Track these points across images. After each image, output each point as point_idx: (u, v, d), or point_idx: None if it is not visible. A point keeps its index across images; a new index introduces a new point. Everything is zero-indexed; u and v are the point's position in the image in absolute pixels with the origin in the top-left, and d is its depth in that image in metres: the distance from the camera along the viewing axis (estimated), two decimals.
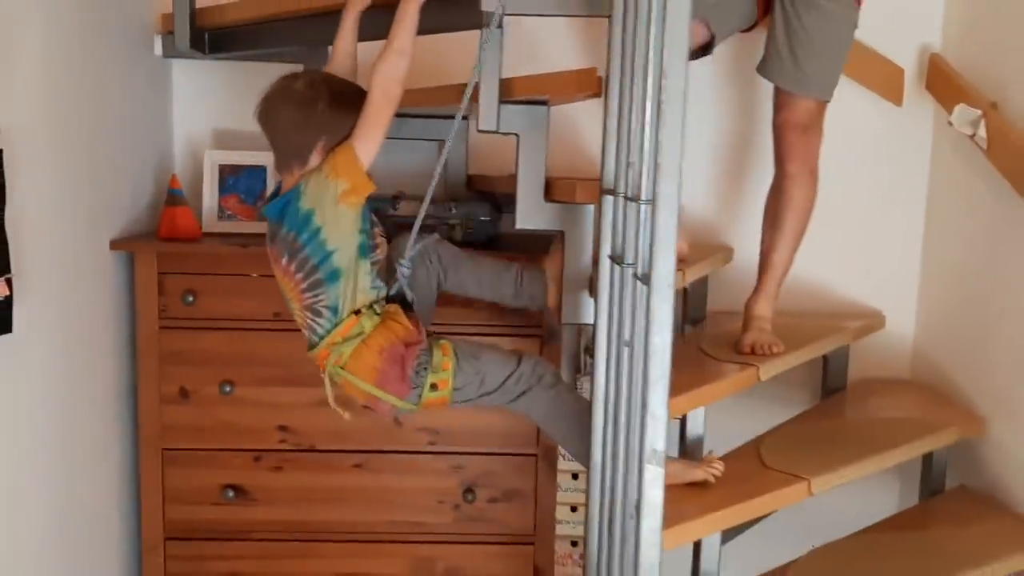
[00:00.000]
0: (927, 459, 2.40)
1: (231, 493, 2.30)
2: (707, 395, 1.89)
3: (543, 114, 1.83)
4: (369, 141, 1.70)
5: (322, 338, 1.80)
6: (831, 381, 2.58)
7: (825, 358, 2.57)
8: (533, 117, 1.83)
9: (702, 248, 2.51)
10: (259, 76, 2.02)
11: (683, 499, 1.73)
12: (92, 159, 2.10)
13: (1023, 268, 2.18)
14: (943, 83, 2.51)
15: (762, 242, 2.29)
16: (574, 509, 2.48)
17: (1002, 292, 2.28)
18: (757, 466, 1.94)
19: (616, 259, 1.49)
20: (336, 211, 1.72)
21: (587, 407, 1.72)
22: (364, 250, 1.78)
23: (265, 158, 2.42)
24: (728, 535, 1.90)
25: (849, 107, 2.62)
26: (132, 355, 2.28)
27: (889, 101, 2.63)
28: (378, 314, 1.80)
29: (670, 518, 1.71)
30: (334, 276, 1.76)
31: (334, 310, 1.78)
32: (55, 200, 1.92)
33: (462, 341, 1.87)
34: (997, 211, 2.29)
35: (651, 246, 1.20)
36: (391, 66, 1.69)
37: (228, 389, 2.26)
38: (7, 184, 1.63)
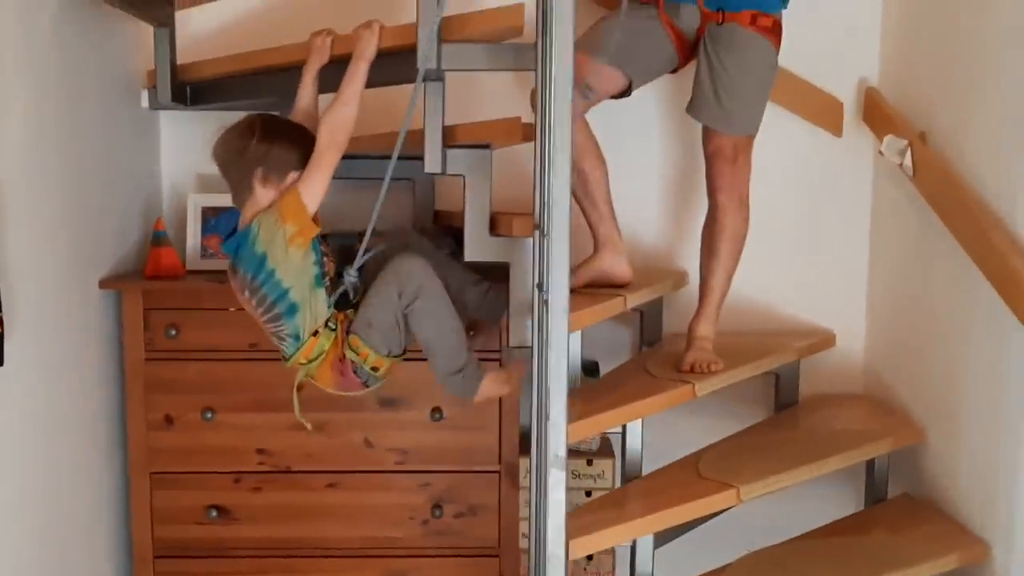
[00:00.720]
0: (870, 468, 2.54)
1: (214, 512, 2.46)
2: (640, 410, 2.04)
3: (486, 157, 2.01)
4: (314, 185, 1.88)
5: (290, 357, 2.00)
6: (783, 397, 2.73)
7: (777, 375, 2.72)
8: (477, 159, 2.00)
9: (655, 273, 2.67)
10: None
11: (613, 505, 1.88)
12: (82, 204, 2.29)
13: (949, 289, 2.33)
14: (877, 115, 2.68)
15: (701, 268, 2.44)
16: None
17: (933, 311, 2.43)
18: (692, 476, 2.09)
19: (538, 286, 1.65)
20: (287, 254, 1.90)
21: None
22: (318, 280, 1.96)
23: None
24: (665, 538, 2.04)
25: (794, 138, 2.81)
26: (120, 385, 2.46)
27: (829, 132, 2.80)
28: (332, 329, 1.98)
29: (598, 523, 1.87)
30: (292, 310, 1.94)
31: (295, 337, 1.97)
32: (46, 242, 2.11)
33: (356, 318, 2.01)
34: (925, 235, 2.45)
35: (546, 273, 1.36)
36: (337, 115, 1.87)
37: (209, 415, 2.43)
38: None
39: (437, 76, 1.88)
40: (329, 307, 1.98)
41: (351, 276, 1.99)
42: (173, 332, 2.41)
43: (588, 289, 2.36)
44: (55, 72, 2.14)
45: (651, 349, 2.64)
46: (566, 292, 1.38)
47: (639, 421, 2.11)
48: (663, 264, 2.83)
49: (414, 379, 2.39)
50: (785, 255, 2.84)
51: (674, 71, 2.42)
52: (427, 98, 1.94)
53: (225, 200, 2.62)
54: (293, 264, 1.91)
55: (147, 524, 2.46)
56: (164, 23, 2.39)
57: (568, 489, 1.55)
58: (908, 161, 2.43)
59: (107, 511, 2.45)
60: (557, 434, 1.34)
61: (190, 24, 2.62)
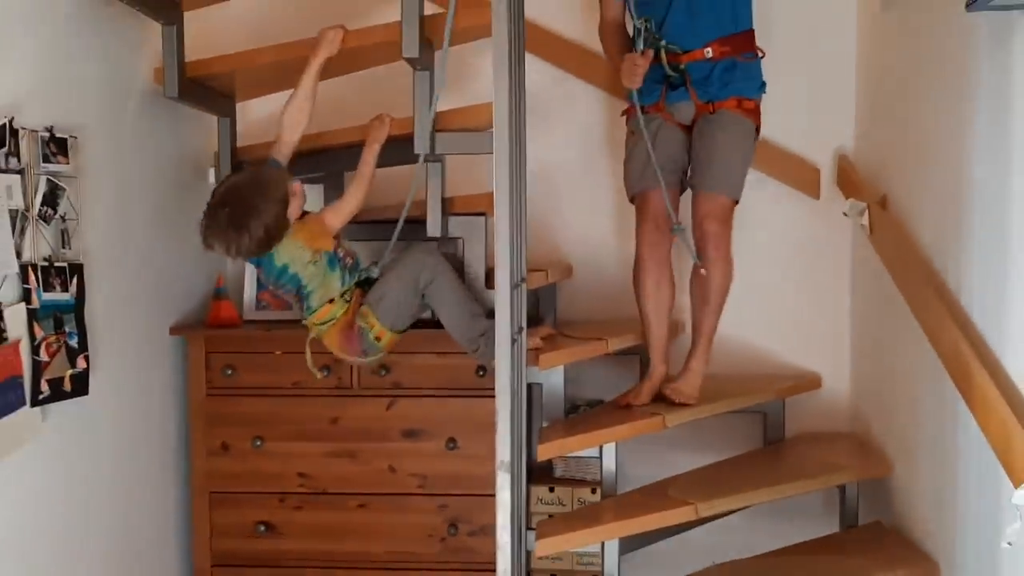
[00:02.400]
0: (843, 496, 2.80)
1: (263, 528, 2.86)
2: (609, 436, 2.38)
3: (481, 224, 2.40)
4: (337, 222, 2.41)
5: (306, 318, 2.46)
6: (770, 434, 3.02)
7: (764, 413, 3.02)
8: (473, 226, 2.40)
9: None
10: None
11: (585, 515, 2.22)
12: (158, 265, 2.76)
13: (909, 336, 2.60)
14: (845, 180, 2.99)
15: (693, 314, 2.75)
16: None
17: (901, 357, 2.68)
18: (661, 495, 2.41)
19: (520, 330, 2.01)
20: (308, 266, 2.37)
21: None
22: (332, 265, 2.40)
23: None
24: (631, 546, 2.36)
25: (780, 202, 3.14)
26: (184, 416, 2.89)
27: (809, 196, 3.12)
28: (347, 301, 2.42)
29: (567, 528, 2.21)
30: (309, 295, 2.41)
31: (309, 308, 2.43)
32: (127, 296, 2.57)
33: (370, 293, 2.43)
34: (883, 287, 2.73)
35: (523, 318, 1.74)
36: (358, 189, 2.38)
37: (259, 443, 2.84)
38: (87, 289, 2.28)
39: (436, 159, 2.29)
40: (343, 284, 2.41)
41: (375, 272, 2.46)
42: (230, 372, 2.84)
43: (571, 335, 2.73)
44: (137, 158, 2.63)
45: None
46: (507, 329, 1.74)
47: (613, 446, 2.45)
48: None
49: (432, 414, 2.78)
50: (775, 304, 3.15)
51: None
52: (429, 178, 2.35)
53: None
54: (309, 269, 2.37)
55: (206, 538, 2.87)
56: (226, 114, 2.87)
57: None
58: (866, 221, 2.74)
59: (172, 526, 2.88)
60: (502, 443, 1.69)
61: (250, 112, 3.09)
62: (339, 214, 2.41)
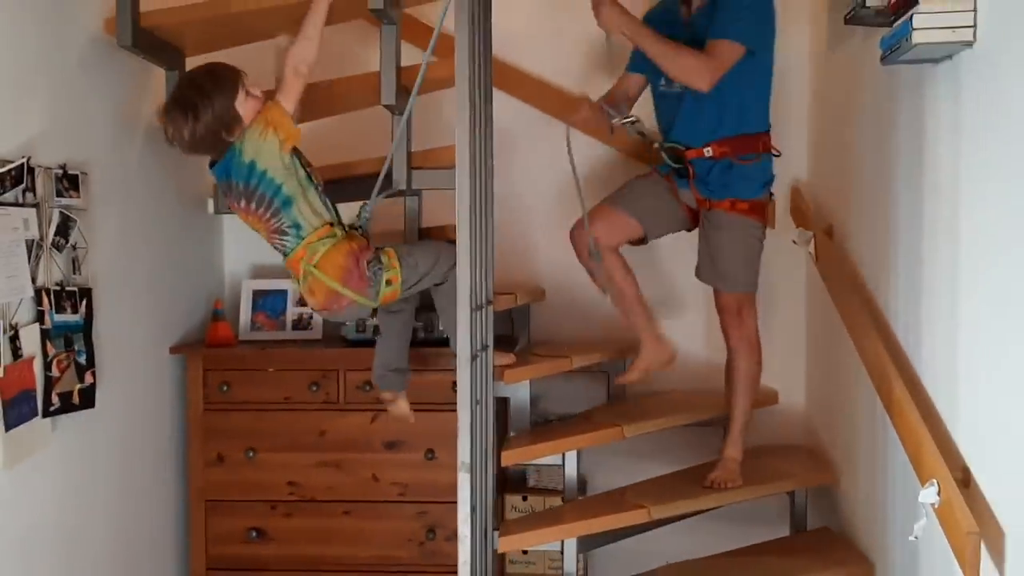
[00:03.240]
0: (793, 503, 3.02)
1: (255, 534, 3.07)
2: (569, 444, 2.60)
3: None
4: (288, 102, 2.30)
5: (292, 249, 2.35)
6: None
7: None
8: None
9: (616, 341, 3.21)
10: None
11: (547, 516, 2.43)
12: (160, 288, 2.99)
13: (846, 353, 2.82)
14: (797, 210, 3.23)
15: (726, 400, 2.91)
16: (525, 552, 3.17)
17: (845, 375, 2.90)
18: (620, 500, 2.63)
19: (483, 348, 2.24)
20: (277, 156, 2.28)
21: None
22: (308, 178, 2.35)
23: (286, 284, 3.30)
24: (588, 545, 2.58)
25: None
26: (182, 429, 3.11)
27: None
28: (345, 231, 2.39)
29: (529, 527, 2.43)
30: (288, 202, 2.32)
31: (296, 227, 2.34)
32: (132, 319, 2.80)
33: (397, 244, 2.44)
34: (831, 309, 2.96)
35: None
36: (301, 49, 2.28)
37: (251, 454, 3.06)
38: (95, 311, 2.51)
39: (413, 193, 2.53)
40: (328, 209, 2.37)
41: (367, 213, 2.43)
42: (225, 388, 3.06)
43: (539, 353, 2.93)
44: (141, 191, 2.87)
45: (611, 403, 3.19)
46: (466, 326, 1.96)
47: (574, 454, 2.67)
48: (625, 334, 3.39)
49: (412, 427, 2.98)
50: None
51: (690, 230, 2.94)
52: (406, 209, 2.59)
53: (271, 284, 3.34)
54: (283, 164, 2.29)
55: (202, 543, 3.08)
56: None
57: None
58: (811, 249, 2.97)
59: (170, 531, 3.09)
60: (463, 446, 1.92)
61: None
62: (288, 93, 2.30)
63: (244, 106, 2.30)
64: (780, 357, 3.37)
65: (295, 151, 2.36)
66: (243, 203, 2.37)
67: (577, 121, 2.80)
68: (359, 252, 2.36)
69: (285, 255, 2.42)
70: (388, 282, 2.39)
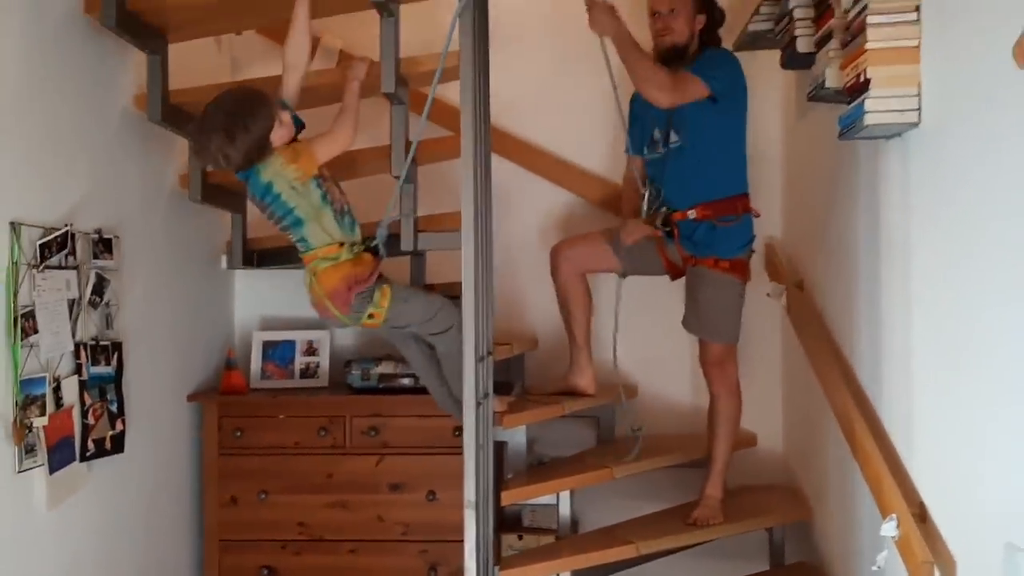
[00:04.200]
0: (771, 539, 3.22)
1: (266, 572, 3.26)
2: (563, 485, 2.81)
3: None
4: (328, 153, 2.46)
5: (303, 252, 2.52)
6: None
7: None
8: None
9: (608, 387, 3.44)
10: (292, 278, 3.20)
11: (546, 551, 2.64)
12: (179, 340, 3.20)
13: (818, 398, 3.05)
14: (772, 265, 3.48)
15: (707, 440, 3.13)
16: None
17: (813, 413, 3.14)
18: (612, 536, 2.83)
19: (485, 396, 2.45)
20: (289, 184, 2.43)
21: None
22: (324, 199, 2.46)
23: (294, 335, 3.52)
24: None
25: None
26: (199, 472, 3.31)
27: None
28: (355, 253, 2.50)
29: (524, 562, 2.63)
30: (299, 222, 2.47)
31: (304, 242, 2.49)
32: (155, 369, 3.01)
33: (402, 286, 2.59)
34: (804, 356, 3.19)
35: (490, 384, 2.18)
36: (343, 133, 2.49)
37: (263, 496, 3.25)
38: (125, 361, 2.72)
39: (419, 253, 2.76)
40: (341, 227, 2.49)
41: (383, 235, 2.55)
42: (239, 434, 3.26)
43: (556, 396, 3.15)
44: (165, 250, 3.09)
45: (601, 445, 3.41)
46: (471, 386, 2.18)
47: (568, 493, 2.88)
48: (614, 378, 3.60)
49: (415, 469, 3.21)
50: None
51: (673, 279, 3.17)
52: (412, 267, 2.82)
53: (281, 335, 3.55)
54: (297, 191, 2.44)
55: None
56: (237, 210, 3.34)
57: None
58: (784, 302, 3.21)
59: (187, 569, 3.27)
60: (469, 486, 2.13)
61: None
62: (326, 145, 2.46)
63: (276, 134, 2.44)
64: (758, 401, 3.59)
65: (317, 175, 2.48)
66: (259, 210, 2.57)
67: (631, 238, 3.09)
68: (355, 280, 2.49)
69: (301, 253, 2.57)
70: (370, 315, 2.55)
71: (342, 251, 2.49)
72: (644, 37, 3.02)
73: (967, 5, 1.95)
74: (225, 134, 2.37)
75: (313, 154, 2.46)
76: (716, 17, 3.07)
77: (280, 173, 2.44)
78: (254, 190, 2.49)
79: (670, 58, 2.98)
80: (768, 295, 3.35)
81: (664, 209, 3.02)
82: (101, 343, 2.63)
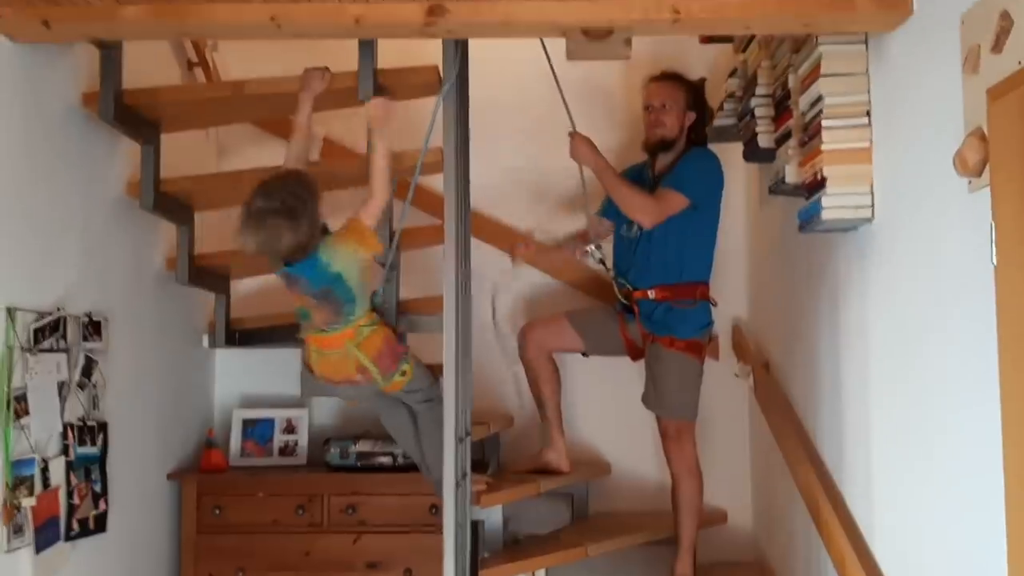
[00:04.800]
0: None
1: None
2: (539, 563, 2.88)
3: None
4: (373, 222, 2.55)
5: (338, 328, 2.57)
6: None
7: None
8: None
9: (582, 465, 3.52)
10: (272, 356, 3.35)
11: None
12: (160, 419, 3.25)
13: (784, 476, 3.15)
14: (739, 346, 3.61)
15: (674, 520, 3.19)
16: None
17: (779, 492, 3.23)
18: None
19: (464, 476, 2.53)
20: (359, 270, 2.54)
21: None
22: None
23: (273, 413, 3.58)
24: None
25: None
26: (178, 549, 3.33)
27: (711, 358, 3.71)
28: (380, 319, 2.66)
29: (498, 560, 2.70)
30: (352, 301, 2.56)
31: (349, 315, 2.57)
32: (137, 448, 3.05)
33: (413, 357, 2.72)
34: (771, 436, 3.30)
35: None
36: (380, 196, 2.55)
37: (241, 574, 3.27)
38: (109, 441, 2.77)
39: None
40: (373, 297, 2.67)
41: (378, 299, 2.71)
42: (217, 511, 3.30)
43: (531, 473, 3.23)
44: (150, 332, 3.16)
45: (575, 523, 3.47)
46: (451, 467, 2.26)
47: (543, 571, 2.94)
48: (591, 455, 3.70)
49: (392, 547, 3.25)
50: None
51: (634, 360, 3.29)
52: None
53: (260, 413, 3.61)
54: (363, 278, 2.55)
55: None
56: (221, 291, 3.43)
57: None
58: (751, 382, 3.33)
59: None
60: (448, 565, 2.19)
61: (240, 289, 3.65)
62: (371, 213, 2.52)
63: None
64: (728, 479, 3.69)
65: None
66: (312, 299, 2.56)
67: (522, 254, 3.35)
68: (393, 340, 2.68)
69: (319, 330, 2.61)
70: (403, 372, 2.68)
71: (374, 316, 2.64)
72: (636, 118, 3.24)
73: (913, 111, 2.13)
74: (288, 219, 2.36)
75: (374, 231, 2.54)
76: (706, 114, 3.25)
77: (351, 260, 2.51)
78: (316, 281, 2.49)
79: (658, 149, 3.18)
80: (736, 375, 3.47)
81: (627, 287, 3.16)
82: (88, 423, 2.68)
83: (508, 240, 3.73)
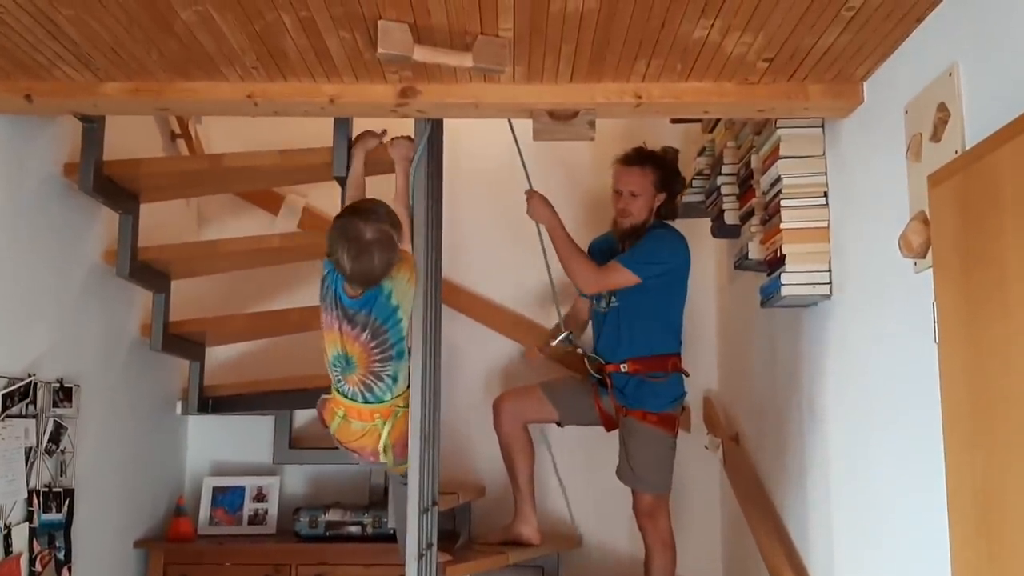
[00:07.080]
0: None
1: None
2: None
3: None
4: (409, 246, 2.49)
5: (379, 399, 2.43)
6: None
7: None
8: None
9: (553, 536, 3.52)
10: (244, 424, 3.33)
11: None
12: (128, 486, 3.24)
13: (752, 547, 3.16)
14: (709, 418, 3.64)
15: None
16: None
17: (750, 565, 3.23)
18: None
19: (428, 547, 2.54)
20: (410, 299, 2.41)
21: None
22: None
23: (244, 481, 3.57)
24: None
25: None
26: None
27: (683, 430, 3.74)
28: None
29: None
30: (400, 355, 2.42)
31: (393, 379, 2.42)
32: (103, 516, 3.03)
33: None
34: (738, 507, 3.32)
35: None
36: (405, 220, 2.50)
37: None
38: (75, 508, 2.77)
39: None
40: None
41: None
42: None
43: (501, 545, 3.22)
44: (122, 399, 3.18)
45: None
46: (415, 527, 2.27)
47: None
48: (562, 526, 3.69)
49: None
50: None
51: (609, 430, 3.27)
52: None
53: (231, 481, 3.60)
54: (410, 316, 2.42)
55: None
56: (196, 358, 3.45)
57: None
58: (720, 454, 3.36)
59: None
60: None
61: (214, 356, 3.67)
62: (407, 240, 2.48)
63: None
64: (699, 550, 3.68)
65: None
66: (365, 336, 2.39)
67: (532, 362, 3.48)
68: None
69: (360, 401, 2.47)
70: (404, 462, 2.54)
71: (408, 397, 2.46)
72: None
73: (864, 193, 2.21)
74: (388, 251, 2.32)
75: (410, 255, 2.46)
76: (676, 191, 3.25)
77: (407, 293, 2.40)
78: (378, 314, 2.37)
79: (626, 236, 3.18)
80: (706, 447, 3.49)
81: (598, 361, 3.19)
82: (54, 490, 2.68)
83: (493, 318, 3.80)
